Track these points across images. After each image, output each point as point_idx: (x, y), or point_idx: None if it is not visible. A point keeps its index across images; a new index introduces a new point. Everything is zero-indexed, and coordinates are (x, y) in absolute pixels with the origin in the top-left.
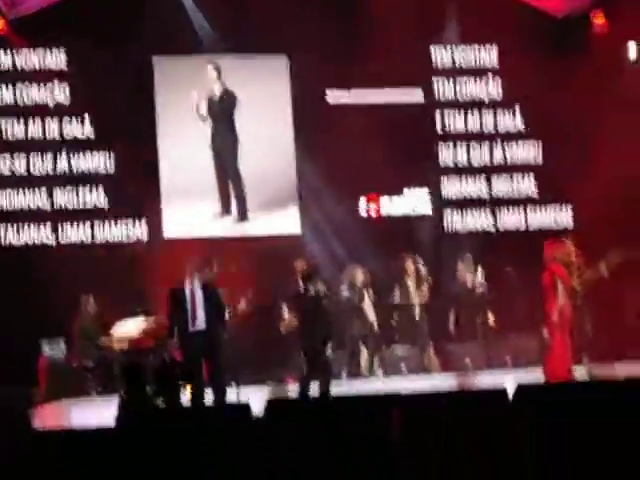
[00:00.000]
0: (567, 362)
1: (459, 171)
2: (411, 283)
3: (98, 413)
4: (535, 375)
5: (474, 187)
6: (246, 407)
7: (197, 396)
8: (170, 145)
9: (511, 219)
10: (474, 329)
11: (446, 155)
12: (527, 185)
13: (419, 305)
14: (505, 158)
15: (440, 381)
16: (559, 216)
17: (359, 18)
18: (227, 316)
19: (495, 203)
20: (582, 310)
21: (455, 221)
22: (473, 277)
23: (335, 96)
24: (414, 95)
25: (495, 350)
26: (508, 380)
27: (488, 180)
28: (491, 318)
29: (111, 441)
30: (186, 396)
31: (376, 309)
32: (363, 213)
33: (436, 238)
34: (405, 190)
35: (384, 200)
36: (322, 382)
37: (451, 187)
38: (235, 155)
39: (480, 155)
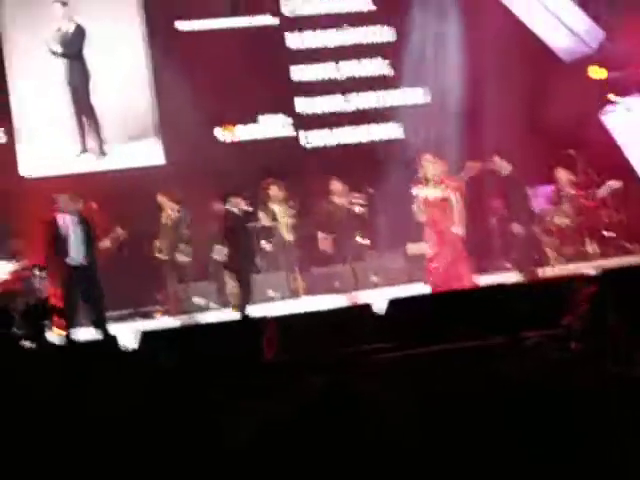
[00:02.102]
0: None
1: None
2: (275, 207)
3: None
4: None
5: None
6: (113, 340)
7: (67, 333)
8: (22, 84)
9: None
10: (348, 249)
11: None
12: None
13: (284, 228)
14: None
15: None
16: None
17: None
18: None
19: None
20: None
21: (315, 139)
22: (347, 197)
23: (185, 25)
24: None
25: (365, 271)
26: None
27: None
28: (363, 238)
29: None
30: (54, 335)
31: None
32: (220, 138)
33: (298, 159)
34: (260, 117)
35: (240, 127)
36: (245, 300)
37: (306, 105)
38: (87, 90)
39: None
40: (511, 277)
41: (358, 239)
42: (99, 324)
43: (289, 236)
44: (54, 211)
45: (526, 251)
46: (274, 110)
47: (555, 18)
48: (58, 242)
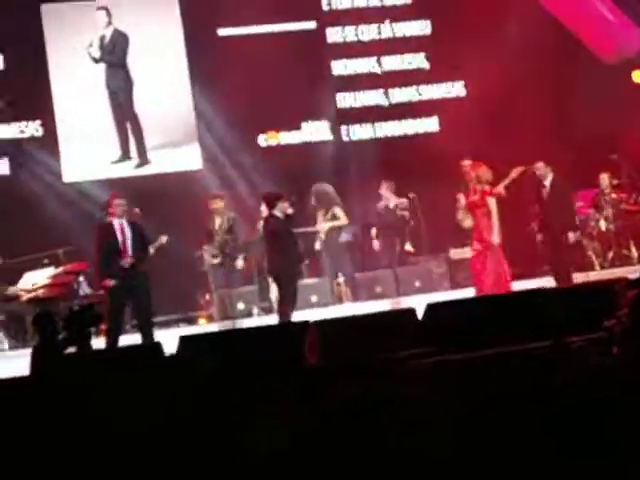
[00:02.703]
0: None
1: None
2: (320, 211)
3: (11, 366)
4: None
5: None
6: (158, 346)
7: (112, 339)
8: (64, 90)
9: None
10: (394, 253)
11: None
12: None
13: (328, 233)
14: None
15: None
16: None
17: None
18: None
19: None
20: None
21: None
22: (394, 199)
23: (226, 32)
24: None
25: (407, 276)
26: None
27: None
28: (409, 243)
29: (25, 390)
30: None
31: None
32: (263, 144)
33: (343, 163)
34: (303, 124)
35: (283, 135)
36: (289, 306)
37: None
38: (131, 97)
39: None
40: (550, 282)
41: (407, 246)
42: (147, 330)
43: (332, 241)
44: (110, 215)
45: (564, 258)
46: (317, 112)
47: (602, 19)
48: (115, 246)
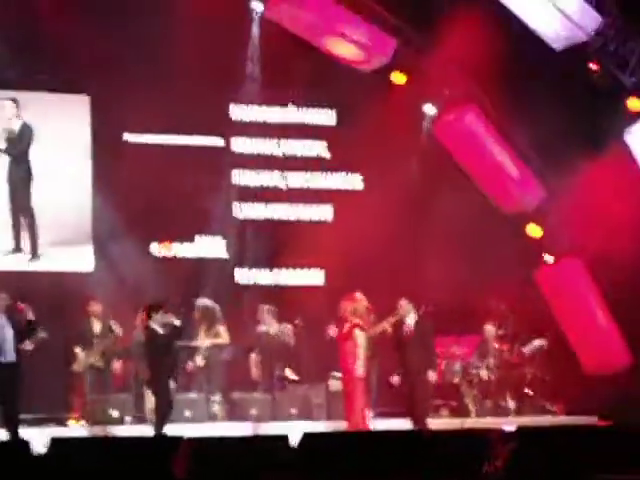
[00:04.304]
0: (364, 412)
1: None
2: (203, 327)
3: None
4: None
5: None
6: (25, 444)
7: None
8: None
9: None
10: (270, 378)
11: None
12: None
13: (212, 349)
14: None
15: (226, 429)
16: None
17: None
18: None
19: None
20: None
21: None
22: (275, 325)
23: (132, 138)
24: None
25: (284, 402)
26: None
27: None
28: (288, 370)
29: None
30: None
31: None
32: (156, 253)
33: (229, 283)
34: (196, 237)
35: (176, 246)
36: (162, 419)
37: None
38: (28, 191)
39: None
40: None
41: (288, 372)
42: (11, 426)
43: (212, 358)
44: None
45: (422, 400)
46: (212, 230)
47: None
48: None
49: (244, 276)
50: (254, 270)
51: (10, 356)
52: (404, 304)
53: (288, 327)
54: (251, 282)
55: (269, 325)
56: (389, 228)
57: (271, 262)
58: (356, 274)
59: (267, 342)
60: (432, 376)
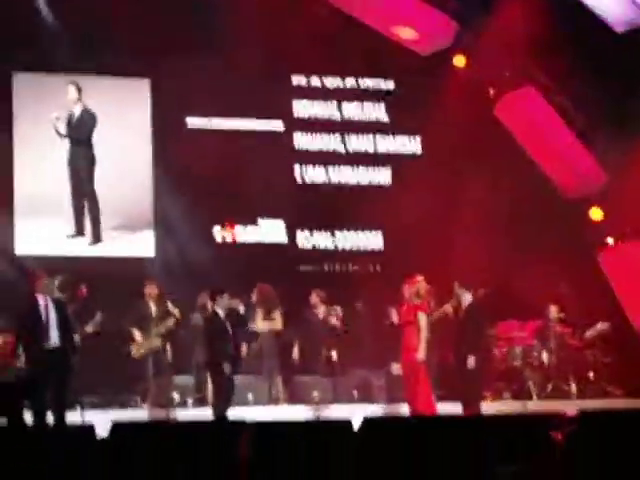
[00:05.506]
0: (431, 396)
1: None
2: (261, 313)
3: None
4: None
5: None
6: (91, 428)
7: (40, 416)
8: (26, 161)
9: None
10: (318, 362)
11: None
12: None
13: (268, 334)
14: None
15: (288, 413)
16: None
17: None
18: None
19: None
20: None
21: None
22: (326, 310)
23: (195, 122)
24: (274, 125)
25: (342, 384)
26: (355, 413)
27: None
28: (335, 353)
29: None
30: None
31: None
32: (218, 239)
33: (290, 267)
34: (259, 220)
35: (239, 228)
36: (223, 402)
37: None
38: (92, 176)
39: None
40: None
41: (333, 354)
42: (59, 411)
43: (270, 342)
44: (35, 292)
45: (472, 384)
46: (274, 213)
47: (568, 155)
48: (35, 324)
49: (304, 239)
50: (315, 233)
51: (55, 341)
52: (460, 286)
53: (337, 310)
54: (310, 246)
55: (319, 309)
56: (447, 201)
57: (331, 226)
58: (414, 252)
59: (317, 326)
60: (471, 361)
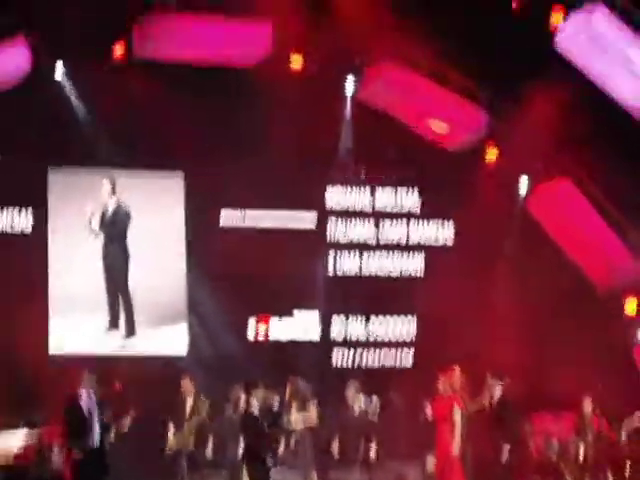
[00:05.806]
0: None
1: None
2: (295, 407)
3: None
4: None
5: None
6: None
7: None
8: (60, 258)
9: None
10: (356, 456)
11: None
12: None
13: (303, 429)
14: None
15: None
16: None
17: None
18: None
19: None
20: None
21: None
22: (361, 403)
23: (228, 217)
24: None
25: (378, 479)
26: None
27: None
28: (373, 447)
29: None
30: None
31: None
32: (251, 336)
33: (323, 364)
34: (295, 312)
35: (274, 321)
36: None
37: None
38: (126, 271)
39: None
40: None
41: (372, 450)
42: None
43: (307, 436)
44: (78, 393)
45: (507, 478)
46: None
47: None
48: (78, 423)
49: (338, 328)
50: (350, 321)
51: (97, 441)
52: (493, 377)
53: (375, 403)
54: (343, 337)
55: (355, 402)
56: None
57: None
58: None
59: (354, 420)
60: (507, 453)
